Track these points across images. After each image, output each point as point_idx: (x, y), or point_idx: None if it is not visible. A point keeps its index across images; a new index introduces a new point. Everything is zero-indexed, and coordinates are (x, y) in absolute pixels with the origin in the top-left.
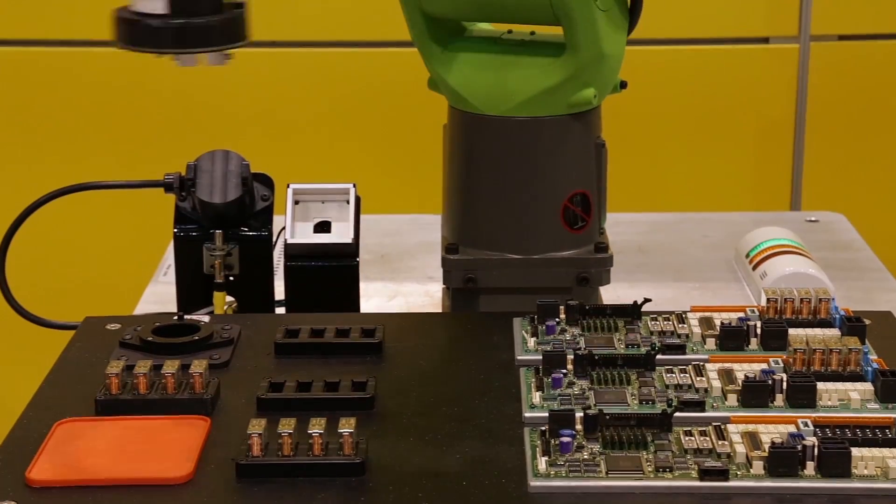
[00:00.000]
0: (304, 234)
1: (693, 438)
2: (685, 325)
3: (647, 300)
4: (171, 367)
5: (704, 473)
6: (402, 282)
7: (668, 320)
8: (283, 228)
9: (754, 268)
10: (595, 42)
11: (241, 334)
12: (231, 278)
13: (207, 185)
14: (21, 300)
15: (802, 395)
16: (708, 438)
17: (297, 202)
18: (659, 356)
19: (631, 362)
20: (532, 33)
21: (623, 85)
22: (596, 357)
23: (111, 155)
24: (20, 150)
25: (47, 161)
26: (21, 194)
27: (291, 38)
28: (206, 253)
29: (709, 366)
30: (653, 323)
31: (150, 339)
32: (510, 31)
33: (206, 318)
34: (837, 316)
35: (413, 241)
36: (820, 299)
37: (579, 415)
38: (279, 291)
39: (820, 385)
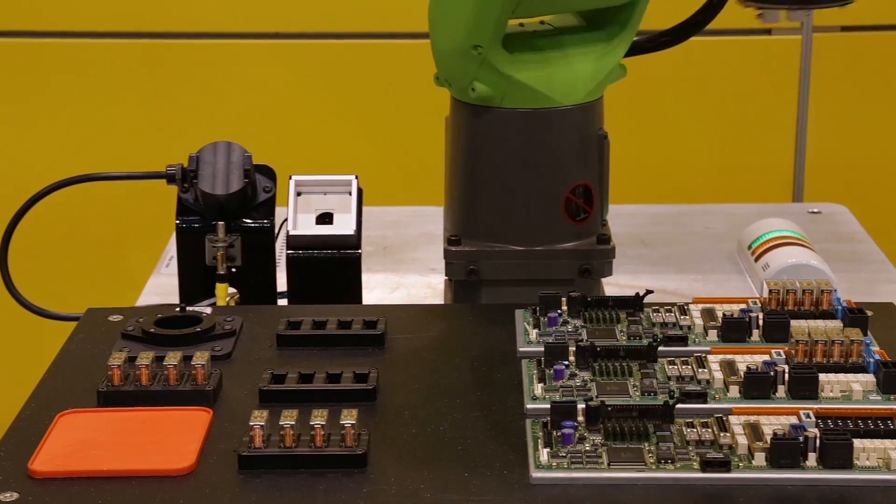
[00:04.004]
0: (307, 226)
1: (695, 430)
2: (687, 317)
3: (649, 292)
4: (173, 358)
5: (706, 465)
6: (404, 273)
7: (671, 312)
8: (286, 220)
9: (756, 259)
10: (642, 17)
11: (243, 326)
12: (233, 270)
13: (210, 177)
14: (23, 291)
15: (804, 387)
16: (710, 430)
17: (299, 193)
18: (661, 348)
19: (633, 354)
20: (542, 22)
21: None
22: (598, 348)
23: (113, 146)
24: (23, 141)
25: (50, 152)
26: (23, 185)
27: (294, 30)
28: (208, 244)
29: (711, 357)
30: (655, 314)
31: (152, 330)
32: (522, 24)
33: (209, 310)
34: (839, 307)
35: (415, 233)
36: (822, 291)
37: (581, 406)
38: (281, 283)
39: (822, 376)
